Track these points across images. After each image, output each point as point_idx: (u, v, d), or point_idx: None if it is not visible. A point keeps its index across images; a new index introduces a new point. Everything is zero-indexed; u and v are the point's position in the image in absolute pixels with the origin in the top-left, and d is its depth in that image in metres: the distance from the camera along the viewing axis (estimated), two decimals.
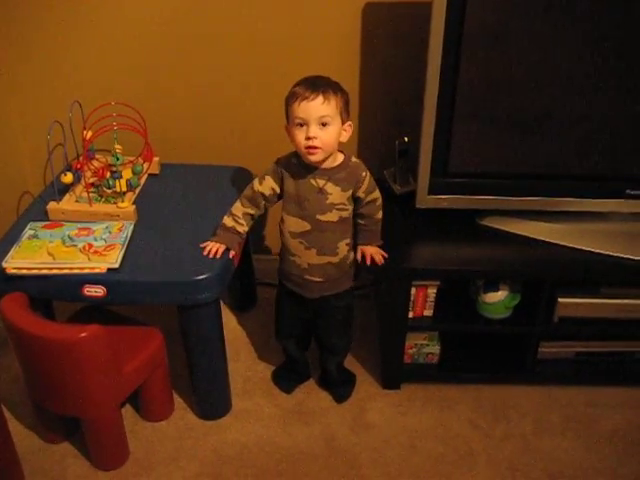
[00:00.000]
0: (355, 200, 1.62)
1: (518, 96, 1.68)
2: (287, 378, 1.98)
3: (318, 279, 1.65)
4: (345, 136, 1.54)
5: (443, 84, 1.65)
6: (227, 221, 1.66)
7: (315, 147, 1.48)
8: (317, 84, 1.47)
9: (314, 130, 1.46)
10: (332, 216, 1.58)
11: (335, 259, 1.63)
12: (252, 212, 1.65)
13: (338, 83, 1.51)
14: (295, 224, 1.60)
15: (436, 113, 1.68)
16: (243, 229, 1.66)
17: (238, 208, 1.65)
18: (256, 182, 1.63)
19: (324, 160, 1.53)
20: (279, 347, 1.96)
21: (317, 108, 1.45)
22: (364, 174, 1.60)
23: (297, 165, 1.56)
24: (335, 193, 1.56)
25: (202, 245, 1.65)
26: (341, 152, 1.59)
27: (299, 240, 1.60)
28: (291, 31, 1.93)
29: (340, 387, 1.95)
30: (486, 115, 1.71)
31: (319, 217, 1.57)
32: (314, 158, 1.50)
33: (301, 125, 1.48)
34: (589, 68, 1.63)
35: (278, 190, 1.61)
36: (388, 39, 1.94)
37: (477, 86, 1.66)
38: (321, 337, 1.84)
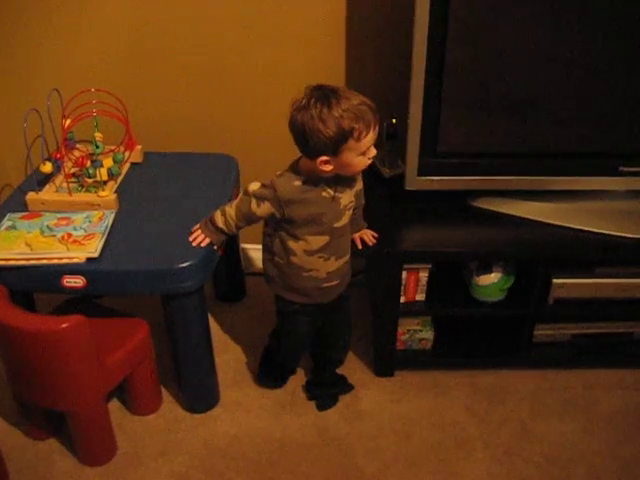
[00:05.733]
0: None
1: (508, 73, 1.64)
2: (274, 375, 1.91)
3: (336, 282, 1.61)
4: None
5: (431, 62, 1.60)
6: (219, 221, 1.56)
7: None
8: (367, 103, 1.41)
9: (373, 148, 1.44)
10: (345, 218, 1.54)
11: (348, 257, 1.62)
12: (245, 226, 1.57)
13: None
14: (313, 242, 1.51)
15: (424, 91, 1.64)
16: (233, 233, 1.61)
17: (232, 219, 1.54)
18: (253, 203, 1.48)
19: None
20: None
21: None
22: None
23: (301, 187, 1.45)
24: (345, 195, 1.51)
25: (193, 229, 1.60)
26: None
27: (318, 255, 1.53)
28: (274, 10, 1.88)
29: (334, 388, 1.89)
30: (475, 93, 1.67)
31: (335, 225, 1.51)
32: None
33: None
34: (579, 45, 1.60)
35: (279, 216, 1.48)
36: (375, 14, 1.89)
37: (466, 63, 1.62)
38: (332, 340, 1.79)
